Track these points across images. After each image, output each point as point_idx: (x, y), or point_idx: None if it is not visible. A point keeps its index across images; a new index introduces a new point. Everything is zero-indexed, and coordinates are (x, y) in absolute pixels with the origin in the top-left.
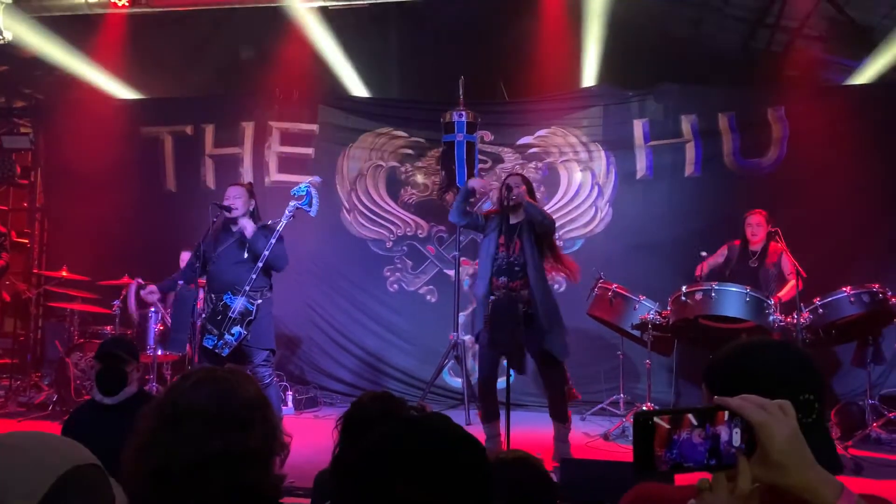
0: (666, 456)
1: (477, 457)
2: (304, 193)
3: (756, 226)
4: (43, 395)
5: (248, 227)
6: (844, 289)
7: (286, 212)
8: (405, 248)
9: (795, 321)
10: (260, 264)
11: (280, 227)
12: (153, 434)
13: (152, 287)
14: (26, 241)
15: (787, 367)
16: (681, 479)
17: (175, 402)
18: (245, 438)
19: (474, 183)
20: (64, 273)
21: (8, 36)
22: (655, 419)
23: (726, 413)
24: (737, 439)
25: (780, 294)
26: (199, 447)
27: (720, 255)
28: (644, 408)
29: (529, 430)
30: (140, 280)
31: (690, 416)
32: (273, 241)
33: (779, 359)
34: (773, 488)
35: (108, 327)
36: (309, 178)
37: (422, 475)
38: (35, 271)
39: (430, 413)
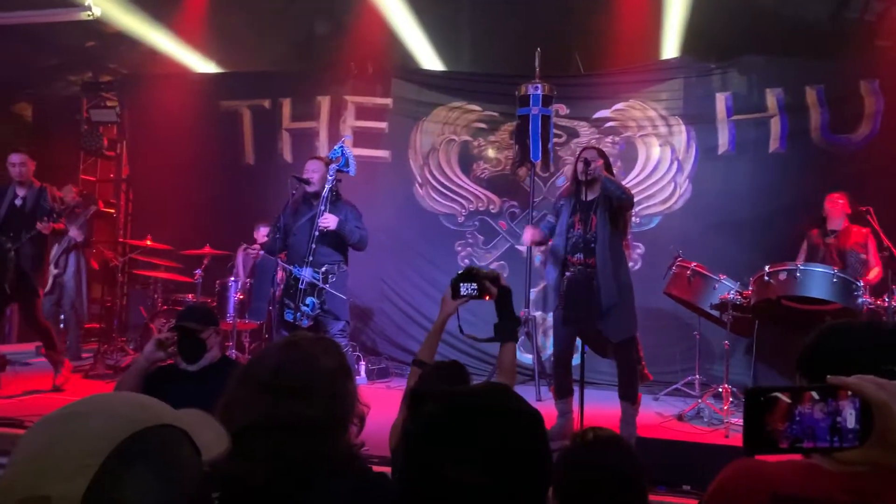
0: (787, 430)
1: (530, 434)
2: (339, 155)
3: (834, 201)
4: (129, 359)
5: (330, 222)
6: None
7: (328, 177)
8: (477, 222)
9: (886, 304)
10: (316, 233)
11: (325, 192)
12: (223, 396)
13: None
14: (113, 210)
15: (877, 344)
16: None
17: (245, 367)
18: (301, 406)
19: (527, 237)
20: (148, 242)
21: (97, 12)
22: (774, 394)
23: (849, 391)
24: (852, 420)
25: (869, 277)
26: (249, 411)
27: (803, 252)
28: (720, 390)
29: (601, 407)
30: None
31: (812, 392)
32: (323, 207)
33: (869, 337)
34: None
35: (190, 295)
36: (342, 140)
37: (472, 455)
38: (121, 240)
39: (484, 385)
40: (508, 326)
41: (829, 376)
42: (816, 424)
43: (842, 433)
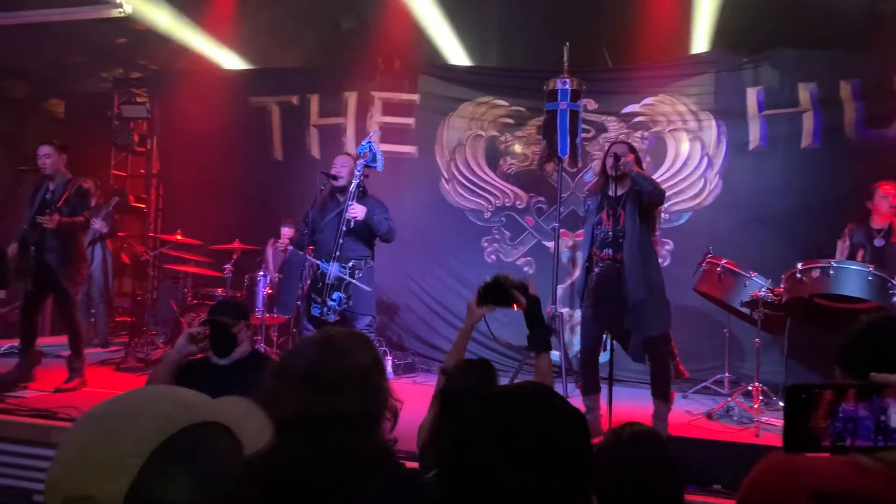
0: (829, 428)
1: (574, 434)
2: (367, 150)
3: (894, 197)
4: (159, 352)
5: (358, 212)
6: None
7: (356, 172)
8: (503, 218)
9: None
10: (343, 228)
11: (352, 187)
12: (257, 391)
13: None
14: (143, 205)
15: None
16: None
17: (280, 362)
18: (337, 402)
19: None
20: (178, 237)
21: (128, 9)
22: (816, 391)
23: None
24: (895, 418)
25: None
26: (284, 407)
27: (845, 248)
28: (750, 388)
29: (628, 405)
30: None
31: (856, 389)
32: (350, 202)
33: None
34: None
35: (220, 289)
36: (370, 134)
37: (515, 456)
38: (151, 235)
39: (525, 385)
40: (541, 336)
41: (872, 374)
42: (860, 422)
43: (886, 432)
